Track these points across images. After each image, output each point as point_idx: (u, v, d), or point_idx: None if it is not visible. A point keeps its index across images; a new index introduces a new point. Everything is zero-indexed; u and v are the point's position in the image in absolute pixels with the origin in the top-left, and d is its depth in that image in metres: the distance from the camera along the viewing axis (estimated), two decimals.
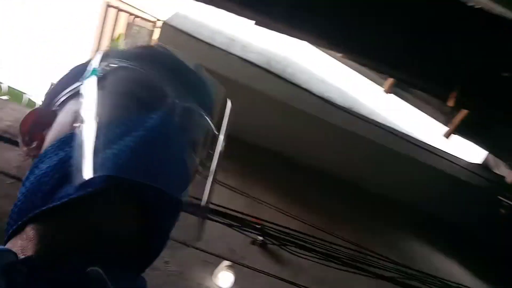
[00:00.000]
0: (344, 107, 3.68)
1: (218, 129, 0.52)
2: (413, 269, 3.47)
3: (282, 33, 2.44)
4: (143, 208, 0.44)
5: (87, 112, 0.44)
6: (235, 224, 2.97)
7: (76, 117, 0.45)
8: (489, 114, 2.93)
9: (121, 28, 4.95)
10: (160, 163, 0.43)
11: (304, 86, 3.50)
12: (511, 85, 2.13)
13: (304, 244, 3.31)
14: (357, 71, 3.83)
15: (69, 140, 0.44)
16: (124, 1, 4.20)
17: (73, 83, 0.51)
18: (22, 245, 0.42)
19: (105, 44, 5.02)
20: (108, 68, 0.48)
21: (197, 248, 2.93)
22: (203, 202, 0.50)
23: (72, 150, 0.42)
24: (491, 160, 3.90)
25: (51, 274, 0.39)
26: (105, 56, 0.50)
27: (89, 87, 0.46)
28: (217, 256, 2.93)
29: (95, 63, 0.49)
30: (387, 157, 3.86)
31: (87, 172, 0.39)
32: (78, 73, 0.52)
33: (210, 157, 0.51)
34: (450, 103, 2.44)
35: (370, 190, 4.04)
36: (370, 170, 4.00)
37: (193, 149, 0.50)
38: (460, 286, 3.51)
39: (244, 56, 3.29)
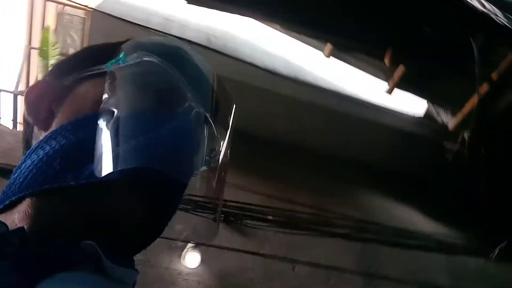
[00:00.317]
0: (289, 76, 3.71)
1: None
2: (372, 222, 3.65)
3: (216, 9, 2.40)
4: (152, 199, 0.44)
5: (112, 99, 0.44)
6: (190, 207, 2.99)
7: (98, 100, 0.44)
8: (425, 67, 3.06)
9: (51, 19, 4.69)
10: (178, 160, 0.44)
11: (248, 59, 3.49)
12: (439, 39, 2.22)
13: (263, 216, 3.40)
14: (297, 39, 3.85)
15: (89, 122, 0.43)
16: None
17: (93, 63, 0.49)
18: (18, 218, 0.41)
19: (37, 38, 4.75)
20: (137, 60, 0.47)
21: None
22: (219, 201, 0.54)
23: (95, 133, 0.42)
24: (433, 110, 4.08)
25: (43, 248, 0.38)
26: (135, 47, 0.49)
27: (116, 73, 0.46)
28: (181, 240, 2.96)
29: (124, 50, 0.48)
30: (336, 119, 3.96)
31: (115, 161, 0.40)
32: (99, 54, 0.50)
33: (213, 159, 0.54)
34: (387, 61, 2.53)
35: (324, 153, 4.15)
36: (321, 134, 4.09)
37: (198, 152, 0.50)
38: (415, 231, 3.74)
39: (182, 35, 3.23)
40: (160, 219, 0.47)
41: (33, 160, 0.44)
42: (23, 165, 0.44)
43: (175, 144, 0.43)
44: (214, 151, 0.54)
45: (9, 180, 0.45)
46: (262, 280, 3.05)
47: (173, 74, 0.48)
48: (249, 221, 3.38)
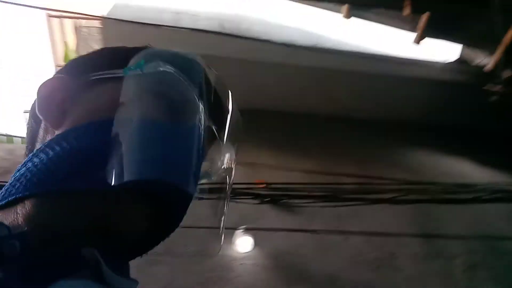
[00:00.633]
0: (309, 46, 3.59)
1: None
2: (422, 182, 3.51)
3: None
4: (159, 210, 0.44)
5: (128, 106, 0.44)
6: (232, 195, 2.99)
7: (113, 105, 0.44)
8: (451, 8, 2.86)
9: (70, 35, 4.81)
10: (186, 173, 0.43)
11: (264, 37, 3.41)
12: None
13: (309, 193, 3.35)
14: (312, 6, 3.72)
15: (103, 127, 0.43)
16: (61, 9, 4.05)
17: (110, 66, 0.48)
18: (19, 217, 0.41)
19: (61, 55, 4.90)
20: (155, 69, 0.47)
21: (209, 227, 2.97)
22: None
23: (108, 139, 0.42)
24: (467, 53, 3.84)
25: (44, 253, 0.38)
26: (153, 55, 0.49)
27: (133, 80, 0.46)
28: (232, 228, 2.97)
29: (143, 58, 0.48)
30: (366, 81, 3.82)
31: (126, 170, 0.40)
32: (116, 57, 0.50)
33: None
34: (407, 11, 2.36)
35: (360, 119, 4.03)
36: (353, 99, 3.96)
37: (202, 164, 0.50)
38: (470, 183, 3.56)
39: (194, 26, 3.19)
40: (164, 230, 0.47)
41: (41, 159, 0.43)
42: (30, 163, 0.43)
43: (185, 157, 0.44)
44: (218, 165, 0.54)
45: (13, 177, 0.44)
46: (316, 254, 3.03)
47: (188, 86, 0.48)
48: (295, 200, 3.35)
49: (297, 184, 3.42)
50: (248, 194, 3.31)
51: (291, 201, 3.33)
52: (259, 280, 2.81)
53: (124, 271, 0.45)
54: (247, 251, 2.92)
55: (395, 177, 3.49)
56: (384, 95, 3.93)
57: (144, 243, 0.47)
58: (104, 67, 0.49)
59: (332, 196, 3.41)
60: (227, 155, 0.55)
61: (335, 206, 3.33)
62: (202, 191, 0.51)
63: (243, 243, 2.92)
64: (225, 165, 0.55)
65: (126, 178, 0.39)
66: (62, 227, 0.40)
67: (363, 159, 3.75)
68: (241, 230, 2.95)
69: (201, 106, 0.48)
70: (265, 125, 3.81)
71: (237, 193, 3.29)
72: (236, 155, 0.57)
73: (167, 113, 0.45)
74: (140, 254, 0.49)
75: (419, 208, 3.34)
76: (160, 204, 0.44)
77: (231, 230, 2.97)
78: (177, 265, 2.71)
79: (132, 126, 0.42)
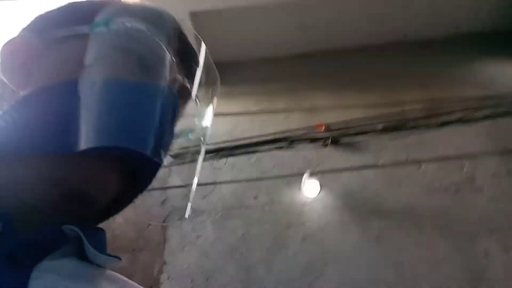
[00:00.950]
0: None
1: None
2: (495, 96, 3.23)
3: None
4: (129, 174, 0.44)
5: (94, 65, 0.42)
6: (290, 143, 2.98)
7: (79, 65, 0.42)
8: None
9: None
10: (158, 137, 0.42)
11: None
12: None
13: (372, 128, 3.24)
14: None
15: (69, 88, 0.41)
16: None
17: (76, 22, 0.46)
18: None
19: None
20: (124, 26, 0.44)
21: (275, 176, 3.02)
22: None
23: (74, 100, 0.40)
24: None
25: (26, 230, 0.38)
26: (121, 10, 0.46)
27: (100, 38, 0.44)
28: (297, 174, 2.99)
29: (110, 13, 0.45)
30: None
31: (94, 135, 0.38)
32: (82, 12, 0.47)
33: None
34: None
35: (419, 40, 3.75)
36: (410, 20, 3.66)
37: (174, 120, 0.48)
38: None
39: None
40: (133, 192, 0.47)
41: (6, 121, 0.41)
42: None
43: (158, 120, 0.41)
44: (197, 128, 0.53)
45: None
46: (387, 189, 2.96)
47: (160, 44, 0.45)
48: (358, 137, 3.27)
49: (358, 121, 3.32)
50: (309, 139, 3.28)
51: (354, 139, 3.25)
52: (330, 220, 2.82)
53: (102, 241, 0.44)
54: (315, 195, 2.93)
55: (462, 94, 3.24)
56: (444, 9, 3.58)
57: (115, 205, 0.47)
58: (69, 23, 0.46)
59: (398, 126, 3.27)
60: (203, 112, 0.53)
61: (402, 136, 3.20)
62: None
63: (310, 188, 2.93)
64: (202, 123, 0.53)
65: (85, 145, 0.38)
66: (27, 190, 0.39)
67: (427, 82, 3.51)
68: (307, 175, 2.95)
69: (172, 63, 0.45)
70: (316, 67, 3.70)
71: (298, 139, 3.28)
72: (213, 113, 0.54)
73: (136, 71, 0.43)
74: (108, 218, 0.48)
75: (495, 124, 3.09)
76: (127, 168, 0.43)
77: (297, 176, 2.98)
78: (250, 217, 2.80)
79: (96, 87, 0.40)
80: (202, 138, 0.55)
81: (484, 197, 2.83)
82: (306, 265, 2.63)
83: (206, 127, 0.54)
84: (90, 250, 0.40)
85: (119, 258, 0.44)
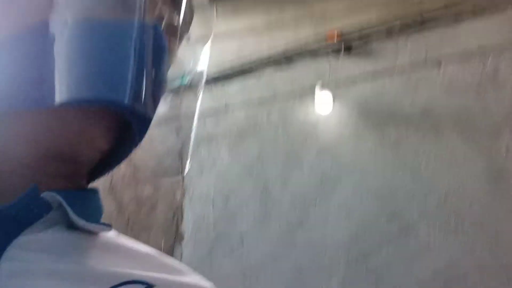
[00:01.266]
0: None
1: None
2: None
3: None
4: (114, 129, 0.40)
5: (64, 4, 0.36)
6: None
7: (47, 5, 0.36)
8: None
9: None
10: (139, 79, 0.36)
11: None
12: None
13: (388, 31, 3.03)
14: None
15: (37, 33, 0.36)
16: None
17: None
18: None
19: None
20: None
21: (287, 94, 2.97)
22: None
23: (45, 48, 0.35)
24: None
25: (6, 207, 0.34)
26: None
27: None
28: (309, 89, 2.92)
29: None
30: None
31: (64, 89, 0.34)
32: None
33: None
34: None
35: None
36: None
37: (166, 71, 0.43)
38: None
39: None
40: (122, 149, 0.42)
41: None
42: None
43: (140, 65, 0.35)
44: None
45: None
46: (405, 93, 2.83)
47: None
48: (373, 43, 3.09)
49: (373, 24, 3.11)
50: (320, 49, 3.15)
51: (369, 45, 3.08)
52: (345, 132, 2.79)
53: (93, 204, 0.41)
54: (328, 107, 2.87)
55: None
56: None
57: (103, 164, 0.43)
58: None
59: (416, 24, 3.04)
60: (198, 53, 0.47)
61: (422, 34, 2.98)
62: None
63: (324, 100, 2.86)
64: (196, 65, 0.47)
65: (59, 98, 0.33)
66: (7, 150, 0.37)
67: None
68: (319, 87, 2.87)
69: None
70: None
71: (309, 52, 3.15)
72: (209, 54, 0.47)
73: (114, 8, 0.36)
74: (106, 172, 0.44)
75: None
76: (114, 120, 0.38)
77: (309, 91, 2.91)
78: (263, 136, 2.82)
79: (71, 28, 0.35)
80: (198, 84, 0.49)
81: (507, 93, 2.67)
82: (321, 177, 2.67)
83: (202, 72, 0.48)
84: (74, 218, 0.36)
85: (109, 226, 0.41)
